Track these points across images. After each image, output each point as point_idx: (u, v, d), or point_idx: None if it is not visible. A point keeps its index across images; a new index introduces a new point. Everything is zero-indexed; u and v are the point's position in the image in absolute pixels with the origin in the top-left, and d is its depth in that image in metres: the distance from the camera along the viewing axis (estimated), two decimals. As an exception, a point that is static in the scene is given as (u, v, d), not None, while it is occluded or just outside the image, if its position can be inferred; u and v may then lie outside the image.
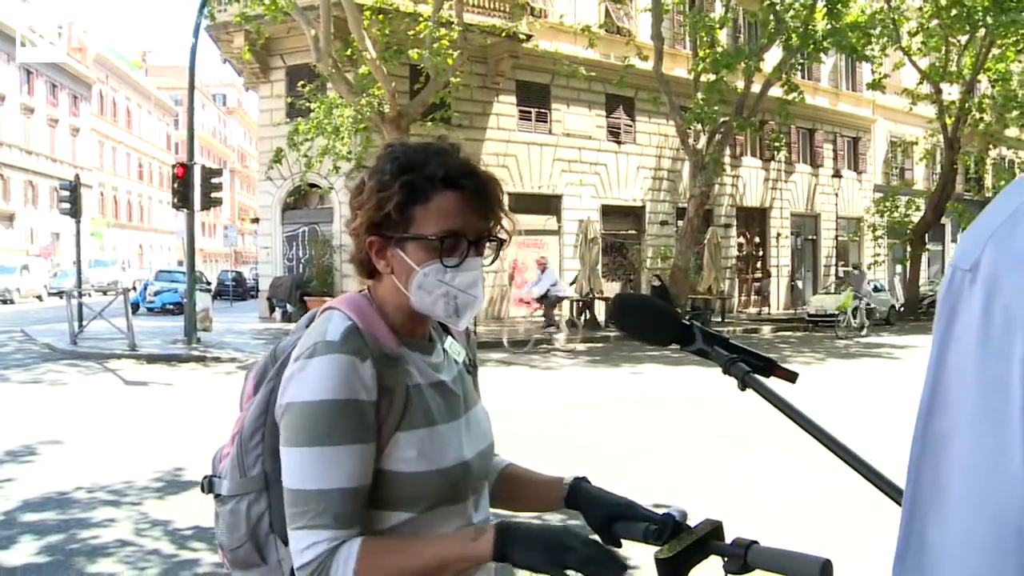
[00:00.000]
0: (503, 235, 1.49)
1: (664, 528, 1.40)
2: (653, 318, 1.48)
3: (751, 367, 1.38)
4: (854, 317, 23.30)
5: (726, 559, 1.32)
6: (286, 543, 1.44)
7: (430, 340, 1.54)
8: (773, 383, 1.36)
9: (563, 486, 1.62)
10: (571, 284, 23.19)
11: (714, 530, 1.37)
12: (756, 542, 1.31)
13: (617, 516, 1.51)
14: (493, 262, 1.51)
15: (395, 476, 1.39)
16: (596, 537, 1.36)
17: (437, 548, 1.36)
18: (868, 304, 24.86)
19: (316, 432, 1.33)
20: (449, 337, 1.59)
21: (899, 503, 1.11)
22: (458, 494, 1.47)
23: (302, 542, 1.33)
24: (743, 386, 1.36)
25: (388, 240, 1.43)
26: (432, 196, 1.41)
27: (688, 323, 1.44)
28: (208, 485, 1.55)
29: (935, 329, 0.78)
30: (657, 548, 1.34)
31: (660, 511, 1.48)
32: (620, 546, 1.51)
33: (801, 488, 6.69)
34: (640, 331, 1.50)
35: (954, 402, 0.75)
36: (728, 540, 1.35)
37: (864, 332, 23.22)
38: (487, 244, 1.48)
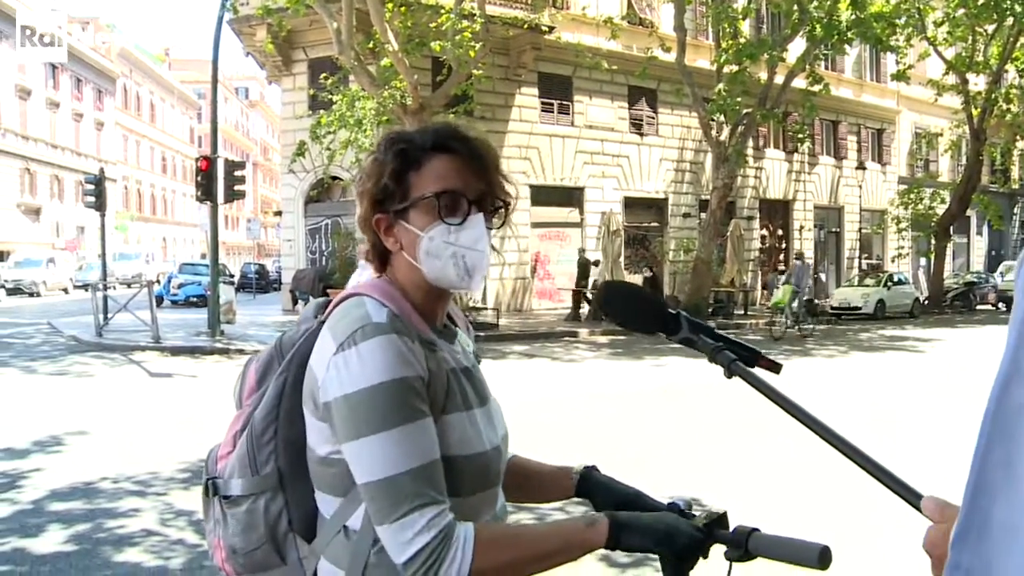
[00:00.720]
0: (505, 198, 1.48)
1: None
2: (640, 306, 1.49)
3: (737, 356, 1.38)
4: (791, 313, 20.04)
5: (728, 547, 1.34)
6: (309, 541, 1.43)
7: (448, 328, 1.53)
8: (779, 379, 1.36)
9: (572, 475, 1.63)
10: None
11: (718, 518, 1.39)
12: (757, 529, 1.33)
13: (625, 505, 1.53)
14: (502, 226, 1.50)
15: (445, 460, 1.35)
16: (697, 523, 1.37)
17: (557, 535, 1.34)
18: (808, 298, 21.94)
19: (390, 413, 1.29)
20: (459, 332, 1.57)
21: (890, 487, 1.11)
22: (493, 479, 1.47)
23: (410, 529, 1.26)
24: (729, 374, 1.37)
25: (391, 214, 1.43)
26: (425, 161, 1.42)
27: (675, 312, 1.44)
28: (213, 488, 1.48)
29: (1015, 305, 0.79)
30: None
31: (657, 501, 1.50)
32: None
33: (810, 479, 6.65)
34: (626, 318, 1.51)
35: None
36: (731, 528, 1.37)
37: (801, 330, 20.09)
38: (490, 208, 1.46)
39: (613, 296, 1.53)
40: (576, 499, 1.67)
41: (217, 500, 1.47)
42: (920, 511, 1.04)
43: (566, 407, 10.04)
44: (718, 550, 1.36)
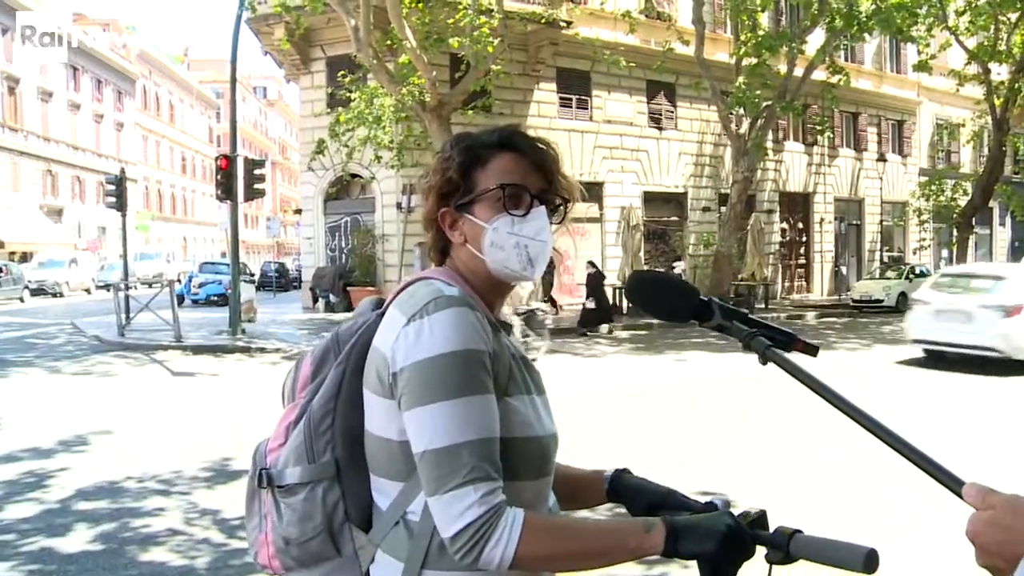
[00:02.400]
0: (564, 196, 1.52)
1: None
2: (670, 294, 1.47)
3: (772, 341, 1.36)
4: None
5: (769, 548, 1.31)
6: (366, 530, 1.43)
7: (503, 322, 1.54)
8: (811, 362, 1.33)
9: (604, 479, 1.62)
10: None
11: (758, 518, 1.37)
12: (800, 531, 1.30)
13: (659, 506, 1.52)
14: (562, 222, 1.53)
15: (504, 442, 1.35)
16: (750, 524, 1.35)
17: (611, 535, 1.33)
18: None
19: (457, 383, 1.30)
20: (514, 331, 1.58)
21: (931, 473, 1.09)
22: (550, 468, 1.48)
23: (461, 502, 1.26)
24: (764, 360, 1.34)
25: (456, 208, 1.47)
26: (490, 158, 1.47)
27: (706, 299, 1.42)
28: (267, 478, 1.47)
29: None
30: None
31: (704, 499, 1.47)
32: None
33: (848, 474, 6.59)
34: (657, 307, 1.49)
35: None
36: (772, 529, 1.34)
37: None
38: (552, 204, 1.50)
39: (641, 286, 1.51)
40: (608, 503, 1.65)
41: (269, 492, 1.47)
42: (962, 498, 1.03)
43: (590, 404, 10.01)
44: (757, 551, 1.33)
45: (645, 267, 23.69)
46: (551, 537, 1.29)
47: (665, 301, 1.47)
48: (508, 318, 1.57)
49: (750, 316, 1.41)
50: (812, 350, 1.40)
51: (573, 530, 1.33)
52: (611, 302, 22.94)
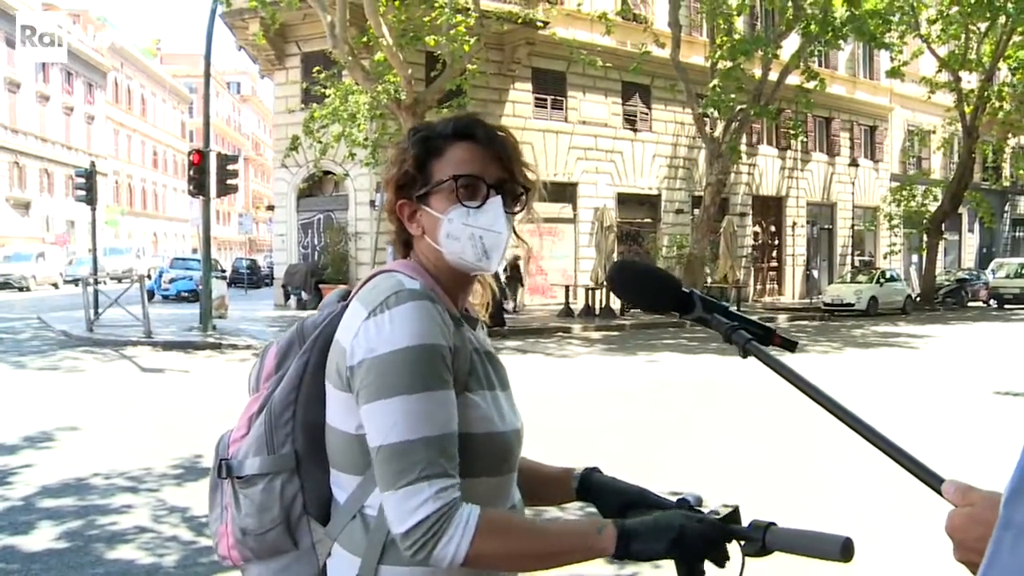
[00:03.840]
0: (525, 185, 1.49)
1: None
2: (652, 285, 1.45)
3: (751, 334, 1.34)
4: None
5: (744, 542, 1.30)
6: (324, 524, 1.42)
7: (468, 315, 1.52)
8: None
9: (573, 477, 1.61)
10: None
11: (730, 514, 1.35)
12: (774, 523, 1.29)
13: (630, 505, 1.51)
14: (523, 211, 1.51)
15: (463, 438, 1.33)
16: (712, 519, 1.33)
17: (563, 536, 1.34)
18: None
19: (415, 378, 1.29)
20: (479, 323, 1.56)
21: (910, 470, 1.08)
22: (512, 464, 1.46)
23: (415, 498, 1.25)
24: (744, 354, 1.33)
25: (414, 200, 1.46)
26: (446, 148, 1.45)
27: (688, 291, 1.41)
28: (226, 468, 1.46)
29: None
30: None
31: (674, 498, 1.46)
32: None
33: (824, 472, 6.63)
34: (639, 297, 1.48)
35: None
36: (745, 523, 1.33)
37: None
38: (511, 194, 1.47)
39: (624, 276, 1.49)
40: (578, 502, 1.63)
41: (229, 482, 1.46)
42: (941, 495, 1.02)
43: (561, 404, 10.01)
44: (732, 547, 1.32)
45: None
46: (504, 537, 1.28)
47: (648, 291, 1.45)
48: (474, 311, 1.55)
49: (731, 310, 1.40)
50: (790, 345, 1.41)
51: (527, 531, 1.33)
52: (584, 303, 23.04)
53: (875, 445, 1.14)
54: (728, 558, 1.31)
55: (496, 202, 1.43)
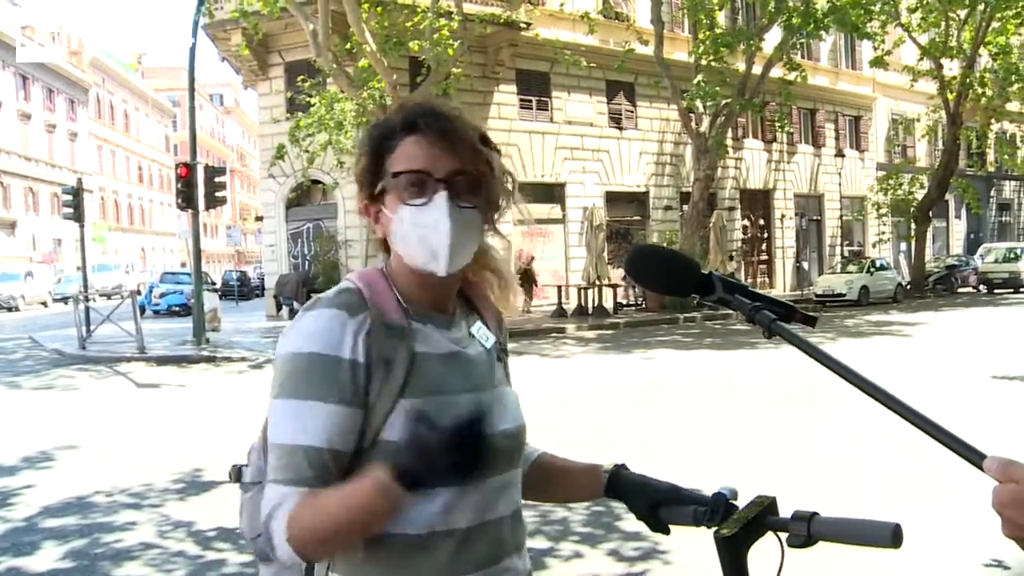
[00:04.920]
0: (484, 169, 1.39)
1: (716, 508, 1.38)
2: (671, 268, 1.42)
3: (774, 314, 1.32)
4: None
5: (789, 534, 1.28)
6: None
7: (452, 315, 1.45)
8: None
9: (602, 474, 1.56)
10: None
11: (769, 506, 1.34)
12: (816, 513, 1.27)
13: (662, 502, 1.48)
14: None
15: (397, 445, 1.26)
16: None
17: (346, 493, 1.24)
18: None
19: (290, 385, 1.29)
20: (479, 322, 1.50)
21: (950, 446, 1.06)
22: (491, 470, 1.36)
23: (268, 495, 1.29)
24: (769, 334, 1.30)
25: (372, 200, 1.41)
26: (396, 144, 1.37)
27: (707, 273, 1.39)
28: (236, 474, 1.50)
29: None
30: (713, 529, 1.32)
31: (697, 493, 1.44)
32: (668, 532, 1.48)
33: (829, 458, 6.63)
34: (658, 282, 1.45)
35: None
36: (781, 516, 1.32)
37: None
38: (466, 187, 1.37)
39: (643, 260, 1.46)
40: (607, 498, 1.59)
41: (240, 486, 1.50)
42: (983, 471, 1.01)
43: (561, 404, 9.99)
44: (768, 540, 1.31)
45: (609, 266, 23.75)
46: (306, 526, 1.23)
47: (667, 275, 1.42)
48: (486, 308, 1.51)
49: (750, 289, 1.38)
50: (811, 320, 1.39)
51: (317, 513, 1.24)
52: (577, 303, 23.05)
53: (913, 423, 1.12)
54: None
55: (441, 198, 1.34)
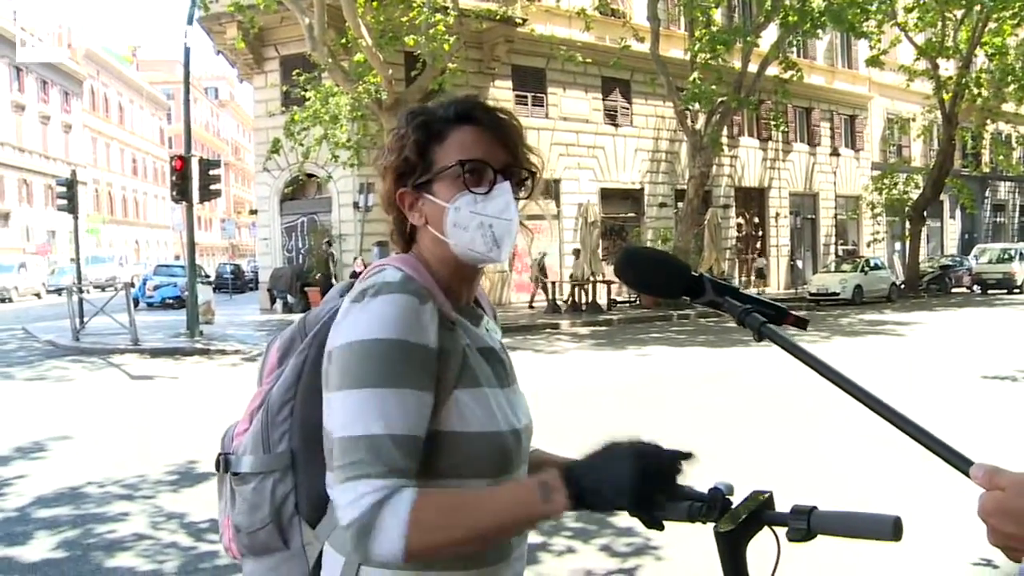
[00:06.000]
0: (531, 169, 1.44)
1: (713, 504, 1.35)
2: (661, 270, 1.42)
3: (763, 316, 1.31)
4: None
5: (788, 528, 1.26)
6: (313, 526, 1.39)
7: (476, 308, 1.48)
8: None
9: None
10: None
11: (766, 501, 1.33)
12: (815, 507, 1.25)
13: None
14: (528, 197, 1.46)
15: (453, 437, 1.30)
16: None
17: (504, 507, 1.24)
18: None
19: (371, 372, 1.24)
20: (486, 317, 1.52)
21: (937, 452, 1.06)
22: (510, 465, 1.39)
23: (346, 496, 1.21)
24: (759, 337, 1.29)
25: (415, 188, 1.39)
26: (448, 133, 1.38)
27: (697, 275, 1.38)
28: (224, 463, 1.45)
29: None
30: (711, 525, 1.31)
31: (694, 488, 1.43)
32: (663, 528, 1.46)
33: (821, 456, 6.65)
34: (648, 284, 1.44)
35: None
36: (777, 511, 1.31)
37: None
38: (517, 179, 1.42)
39: (633, 261, 1.45)
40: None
41: (228, 477, 1.44)
42: (969, 477, 1.00)
43: (555, 400, 9.99)
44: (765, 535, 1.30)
45: (603, 263, 23.77)
46: (440, 526, 1.21)
47: (656, 277, 1.42)
48: (483, 305, 1.51)
49: (741, 291, 1.38)
50: (802, 323, 1.38)
51: (471, 503, 1.25)
52: (572, 298, 23.07)
53: (899, 427, 1.11)
54: (662, 509, 1.26)
55: (505, 187, 1.38)
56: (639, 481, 1.21)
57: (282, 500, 1.39)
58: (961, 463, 1.04)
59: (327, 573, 1.36)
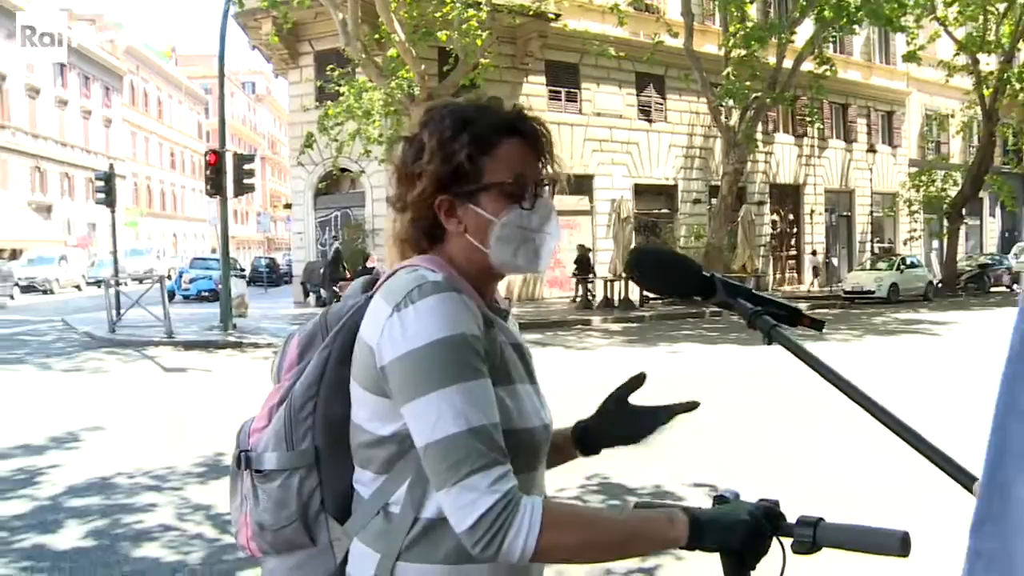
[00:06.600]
0: (555, 176, 1.46)
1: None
2: (673, 270, 1.43)
3: (776, 317, 1.32)
4: None
5: (793, 539, 1.26)
6: (341, 522, 1.39)
7: (498, 306, 1.48)
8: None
9: (571, 436, 1.66)
10: None
11: (770, 509, 1.31)
12: (822, 519, 1.25)
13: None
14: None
15: None
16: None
17: (634, 525, 1.29)
18: None
19: (449, 370, 1.24)
20: (510, 314, 1.53)
21: (940, 466, 1.05)
22: (537, 460, 1.43)
23: (469, 493, 1.20)
24: (768, 340, 1.31)
25: (458, 196, 1.38)
26: (497, 145, 1.38)
27: (709, 275, 1.39)
28: (245, 460, 1.44)
29: (1021, 302, 0.72)
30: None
31: (696, 490, 1.43)
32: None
33: (855, 467, 6.60)
34: (659, 284, 1.46)
35: None
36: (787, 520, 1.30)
37: None
38: (555, 189, 1.46)
39: (644, 261, 1.47)
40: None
41: (248, 474, 1.43)
42: (972, 493, 1.00)
43: (582, 396, 9.99)
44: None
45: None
46: (571, 528, 1.24)
47: (668, 277, 1.44)
48: (501, 303, 1.51)
49: (755, 292, 1.38)
50: (818, 324, 1.38)
51: (594, 521, 1.30)
52: (604, 295, 23.03)
53: (903, 438, 1.11)
54: (766, 553, 1.27)
55: (547, 202, 1.41)
56: (752, 524, 1.25)
57: (308, 497, 1.39)
58: (965, 479, 1.03)
59: (356, 570, 1.37)
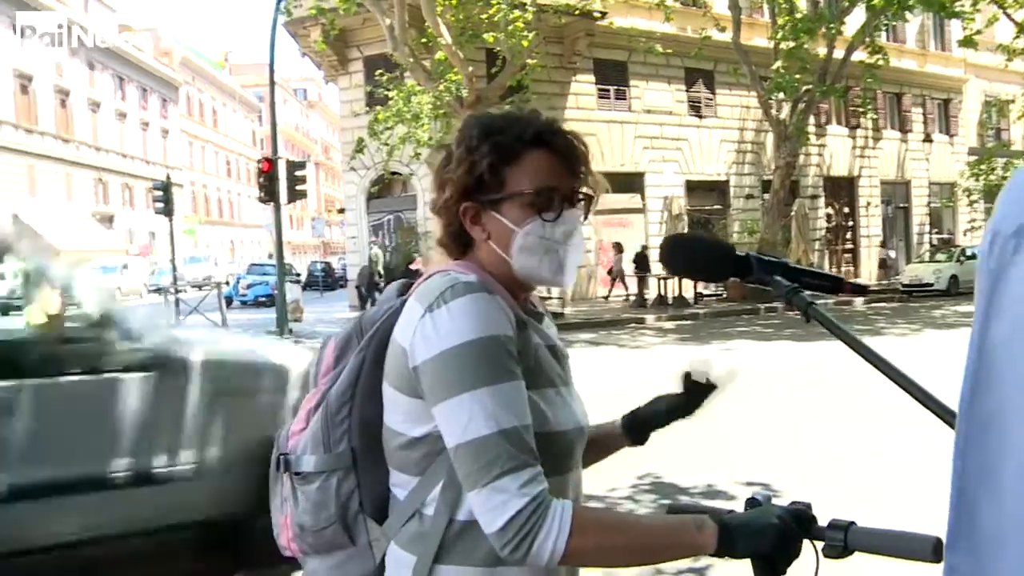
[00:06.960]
0: (590, 192, 1.46)
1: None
2: (706, 253, 1.44)
3: (819, 288, 1.32)
4: None
5: (825, 543, 1.26)
6: (380, 522, 1.41)
7: (533, 310, 1.50)
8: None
9: (619, 426, 1.73)
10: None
11: (802, 512, 1.31)
12: (854, 523, 1.25)
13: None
14: (585, 219, 1.47)
15: None
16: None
17: (661, 532, 1.29)
18: None
19: (482, 371, 1.25)
20: (546, 316, 1.54)
21: None
22: (571, 462, 1.44)
23: (500, 495, 1.21)
24: (807, 318, 1.29)
25: (482, 204, 1.40)
26: (523, 155, 1.39)
27: (743, 254, 1.38)
28: (284, 463, 1.46)
29: (976, 301, 0.73)
30: None
31: (749, 490, 1.43)
32: None
33: (909, 468, 6.52)
34: (694, 269, 1.47)
35: (1001, 379, 0.70)
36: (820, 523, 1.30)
37: None
38: (578, 202, 1.44)
39: (677, 248, 1.48)
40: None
41: (288, 477, 1.46)
42: None
43: (634, 394, 9.98)
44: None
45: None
46: (601, 531, 1.25)
47: (701, 260, 1.45)
48: (538, 305, 1.53)
49: (792, 266, 1.37)
50: (861, 290, 1.39)
51: (623, 525, 1.32)
52: (658, 292, 22.92)
53: (947, 422, 1.09)
54: (797, 556, 1.27)
55: (574, 214, 1.41)
56: (782, 529, 1.25)
57: (347, 498, 1.41)
58: None
59: (393, 571, 1.39)
